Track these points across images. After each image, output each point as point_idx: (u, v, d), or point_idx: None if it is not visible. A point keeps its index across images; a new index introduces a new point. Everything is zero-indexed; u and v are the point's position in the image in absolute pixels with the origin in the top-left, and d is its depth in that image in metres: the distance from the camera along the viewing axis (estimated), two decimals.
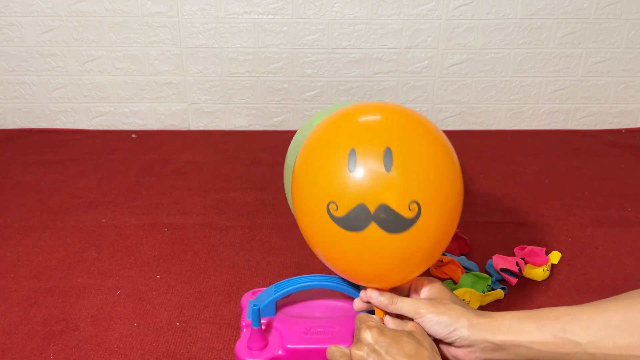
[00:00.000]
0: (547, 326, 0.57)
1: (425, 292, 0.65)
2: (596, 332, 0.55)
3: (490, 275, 0.94)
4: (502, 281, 0.94)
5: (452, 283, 0.92)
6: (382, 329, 0.60)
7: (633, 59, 1.62)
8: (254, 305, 0.69)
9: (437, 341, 0.63)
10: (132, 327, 0.84)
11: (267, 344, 0.71)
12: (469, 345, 0.60)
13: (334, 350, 0.63)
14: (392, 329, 0.60)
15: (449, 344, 0.62)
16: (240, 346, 0.71)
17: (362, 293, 0.66)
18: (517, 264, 0.94)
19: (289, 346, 0.70)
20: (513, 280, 0.93)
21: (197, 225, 1.13)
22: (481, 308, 0.87)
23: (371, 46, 1.59)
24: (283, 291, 0.73)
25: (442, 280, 0.94)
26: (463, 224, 1.13)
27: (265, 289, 0.78)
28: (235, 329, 0.83)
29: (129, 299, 0.90)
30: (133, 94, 1.64)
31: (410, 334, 0.59)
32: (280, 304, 0.77)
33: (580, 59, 1.62)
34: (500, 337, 0.59)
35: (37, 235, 1.09)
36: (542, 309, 0.60)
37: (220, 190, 1.29)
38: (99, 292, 0.92)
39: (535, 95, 1.66)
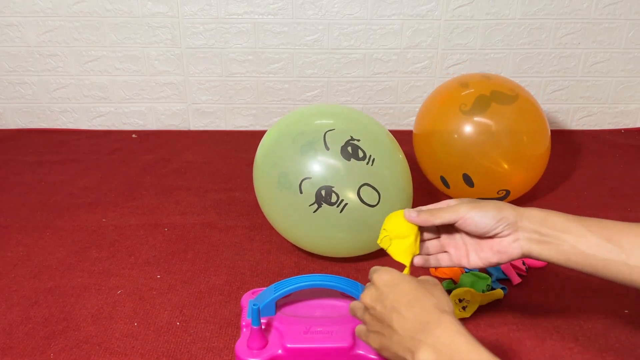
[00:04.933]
0: (593, 231, 0.57)
1: (454, 204, 0.64)
2: None
3: (490, 275, 0.94)
4: (502, 281, 0.95)
5: (452, 283, 0.92)
6: (392, 271, 0.58)
7: (633, 59, 1.62)
8: (254, 305, 0.69)
9: (481, 239, 0.62)
10: (133, 326, 0.84)
11: (267, 343, 0.71)
12: (515, 231, 0.60)
13: (353, 304, 0.63)
14: (403, 274, 0.59)
15: (493, 237, 0.61)
16: (240, 346, 0.71)
17: (406, 212, 0.65)
18: (523, 262, 0.95)
19: (288, 345, 0.71)
20: (516, 280, 0.93)
21: (197, 225, 1.13)
22: (481, 308, 0.87)
23: (371, 46, 1.59)
24: (283, 291, 0.73)
25: (441, 280, 0.94)
26: None
27: (265, 288, 0.78)
28: (235, 329, 0.83)
29: (129, 299, 0.90)
30: (133, 94, 1.64)
31: (426, 282, 0.57)
32: (280, 304, 0.77)
33: (580, 59, 1.62)
34: (546, 229, 0.58)
35: (37, 235, 1.09)
36: (590, 217, 0.59)
37: (220, 190, 1.29)
38: (99, 292, 0.92)
39: (535, 95, 1.66)
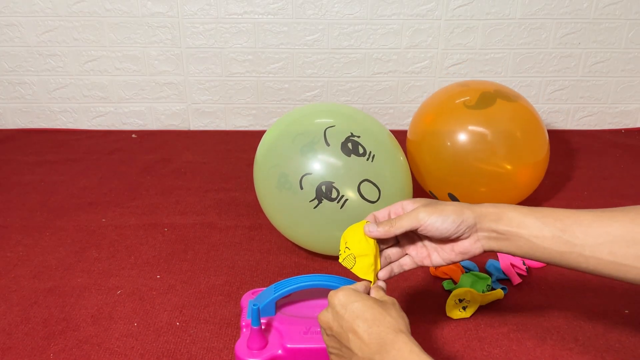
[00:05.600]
0: (548, 224, 0.58)
1: (410, 208, 0.64)
2: (595, 238, 0.56)
3: (490, 275, 0.94)
4: (502, 281, 0.95)
5: (452, 283, 0.92)
6: (349, 291, 0.58)
7: (633, 59, 1.62)
8: (254, 305, 0.69)
9: (443, 242, 0.63)
10: (132, 327, 0.84)
11: (266, 343, 0.71)
12: (475, 232, 0.61)
13: (319, 317, 0.62)
14: (360, 294, 0.58)
15: (455, 240, 0.62)
16: (240, 346, 0.71)
17: (366, 227, 0.64)
18: (523, 262, 0.95)
19: (288, 346, 0.70)
20: (516, 280, 0.93)
21: (197, 225, 1.13)
22: (481, 308, 0.87)
23: (371, 46, 1.59)
24: (283, 291, 0.73)
25: (442, 280, 0.94)
26: None
27: (265, 289, 0.78)
28: (235, 329, 0.83)
29: (129, 299, 0.90)
30: (133, 94, 1.64)
31: (384, 303, 0.57)
32: (280, 304, 0.77)
33: (580, 59, 1.62)
34: (502, 226, 0.59)
35: (37, 235, 1.09)
36: (544, 208, 0.60)
37: (220, 190, 1.29)
38: (99, 292, 0.92)
39: (535, 95, 1.66)
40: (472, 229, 0.61)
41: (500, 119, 1.06)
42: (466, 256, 0.62)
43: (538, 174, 1.12)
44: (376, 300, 0.57)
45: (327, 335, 0.58)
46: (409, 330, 0.55)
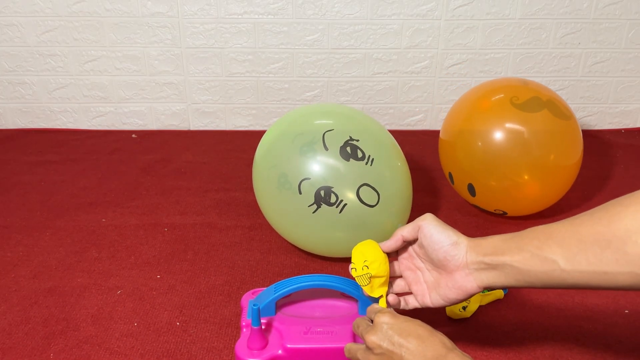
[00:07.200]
0: (525, 245, 0.58)
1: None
2: (570, 248, 0.54)
3: None
4: None
5: None
6: (394, 313, 0.61)
7: (633, 59, 1.62)
8: (254, 305, 0.69)
9: (436, 265, 0.65)
10: (132, 327, 0.84)
11: (267, 343, 0.71)
12: (465, 266, 0.62)
13: (350, 346, 0.65)
14: (404, 316, 0.61)
15: (446, 267, 0.63)
16: (240, 346, 0.71)
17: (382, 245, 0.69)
18: None
19: (288, 346, 0.71)
20: None
21: (197, 225, 1.13)
22: (481, 308, 0.87)
23: (371, 46, 1.59)
24: (283, 291, 0.73)
25: None
26: (462, 224, 1.13)
27: (265, 289, 0.78)
28: (235, 329, 0.83)
29: (129, 299, 0.90)
30: (133, 94, 1.64)
31: (421, 322, 0.60)
32: (280, 304, 0.77)
33: (580, 59, 1.62)
34: (488, 257, 0.60)
35: (37, 235, 1.09)
36: (524, 230, 0.60)
37: (220, 190, 1.29)
38: (99, 292, 0.92)
39: None
40: (462, 260, 0.62)
41: (537, 129, 1.02)
42: (461, 291, 0.63)
43: (555, 195, 1.10)
44: (419, 321, 0.60)
45: (376, 354, 0.59)
46: (456, 348, 0.57)
